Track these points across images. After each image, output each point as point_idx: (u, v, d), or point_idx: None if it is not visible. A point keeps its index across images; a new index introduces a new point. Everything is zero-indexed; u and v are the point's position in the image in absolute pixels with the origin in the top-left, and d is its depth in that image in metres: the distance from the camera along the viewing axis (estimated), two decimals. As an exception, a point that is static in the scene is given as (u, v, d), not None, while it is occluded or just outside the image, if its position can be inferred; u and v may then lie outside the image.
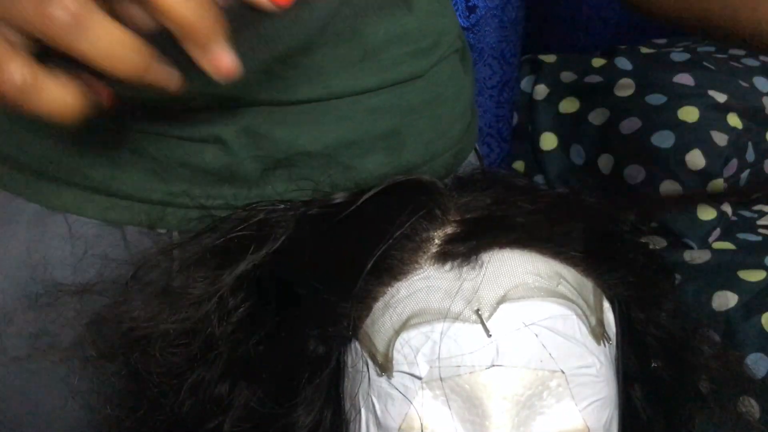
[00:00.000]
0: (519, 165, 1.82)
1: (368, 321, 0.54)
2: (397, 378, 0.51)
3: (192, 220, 0.69)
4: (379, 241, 0.55)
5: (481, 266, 0.54)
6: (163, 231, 0.71)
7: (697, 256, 1.56)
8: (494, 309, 0.52)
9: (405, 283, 0.54)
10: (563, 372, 0.51)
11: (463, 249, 0.54)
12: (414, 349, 0.52)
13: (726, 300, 1.46)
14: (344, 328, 0.54)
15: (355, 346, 0.55)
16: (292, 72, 0.67)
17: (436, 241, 0.55)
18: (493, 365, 0.51)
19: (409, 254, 0.55)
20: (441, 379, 0.50)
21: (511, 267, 0.53)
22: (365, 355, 0.54)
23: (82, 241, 0.70)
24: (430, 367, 0.51)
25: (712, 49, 1.95)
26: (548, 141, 1.75)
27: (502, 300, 0.52)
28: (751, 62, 1.83)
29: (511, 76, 1.68)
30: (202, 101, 0.66)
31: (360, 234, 0.57)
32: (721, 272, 1.51)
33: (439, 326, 0.51)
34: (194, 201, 0.70)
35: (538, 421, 0.51)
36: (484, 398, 0.50)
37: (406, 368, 0.52)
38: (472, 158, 0.84)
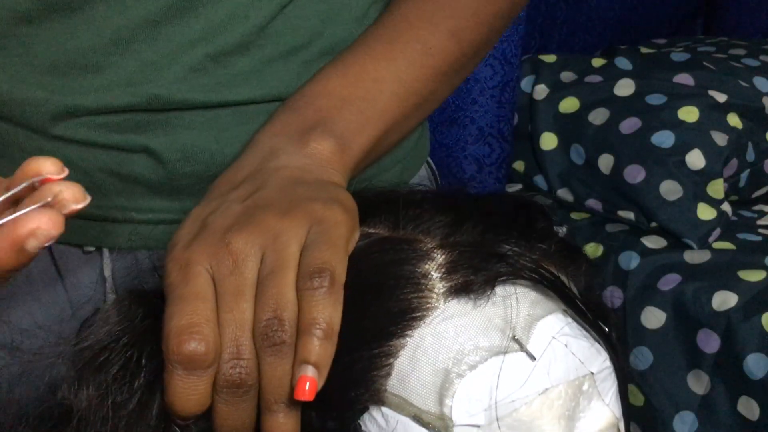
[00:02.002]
0: (519, 165, 1.82)
1: (393, 381, 0.49)
2: None
3: (121, 237, 0.64)
4: (378, 294, 0.50)
5: (494, 291, 0.51)
6: (91, 249, 0.66)
7: (697, 256, 1.56)
8: (528, 331, 0.50)
9: (428, 328, 0.49)
10: (592, 373, 0.51)
11: (477, 279, 0.50)
12: (468, 399, 0.48)
13: (726, 300, 1.46)
14: (356, 408, 0.49)
15: (382, 412, 0.49)
16: (225, 72, 0.62)
17: (434, 274, 0.50)
18: (545, 389, 0.49)
19: (415, 297, 0.50)
20: (498, 419, 0.48)
21: (520, 285, 0.51)
22: (405, 418, 0.49)
23: None
24: (487, 411, 0.48)
25: (712, 49, 1.95)
26: (548, 141, 1.75)
27: (530, 320, 0.50)
28: (751, 62, 1.83)
29: (512, 76, 1.68)
30: (124, 101, 0.61)
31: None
32: (721, 272, 1.51)
33: (486, 367, 0.49)
34: (124, 215, 0.64)
35: (578, 427, 0.51)
36: (542, 425, 0.49)
37: (464, 421, 0.48)
38: (423, 174, 0.79)
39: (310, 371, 0.45)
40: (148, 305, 0.51)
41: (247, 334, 0.47)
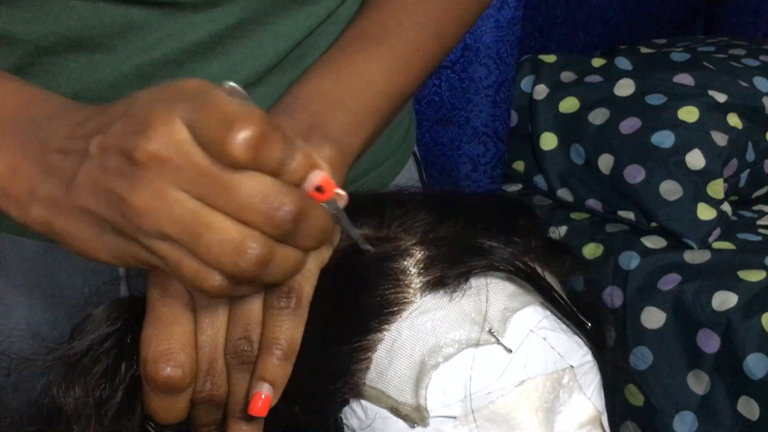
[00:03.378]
0: (519, 165, 1.82)
1: (372, 375, 0.50)
2: (432, 424, 0.49)
3: None
4: (357, 290, 0.51)
5: (469, 285, 0.52)
6: None
7: (697, 256, 1.56)
8: (504, 324, 0.50)
9: (405, 322, 0.50)
10: (572, 367, 0.52)
11: (451, 273, 0.51)
12: (443, 390, 0.49)
13: (726, 300, 1.46)
14: (336, 401, 0.50)
15: (361, 405, 0.50)
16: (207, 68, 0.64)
17: (412, 270, 0.51)
18: (521, 381, 0.50)
19: (393, 292, 0.51)
20: (474, 411, 0.49)
21: (497, 278, 0.52)
22: (383, 411, 0.50)
23: (28, 261, 0.67)
24: (462, 402, 0.49)
25: (712, 49, 1.95)
26: (548, 141, 1.75)
27: (506, 313, 0.51)
28: (751, 62, 1.83)
29: (507, 75, 1.68)
30: None
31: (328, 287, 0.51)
32: (721, 272, 1.51)
33: (460, 358, 0.49)
34: None
35: (559, 421, 0.52)
36: (519, 417, 0.50)
37: (439, 412, 0.49)
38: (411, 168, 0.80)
39: (266, 388, 0.48)
40: (133, 311, 0.52)
41: (220, 352, 0.49)
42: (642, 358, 1.50)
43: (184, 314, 0.48)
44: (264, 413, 0.47)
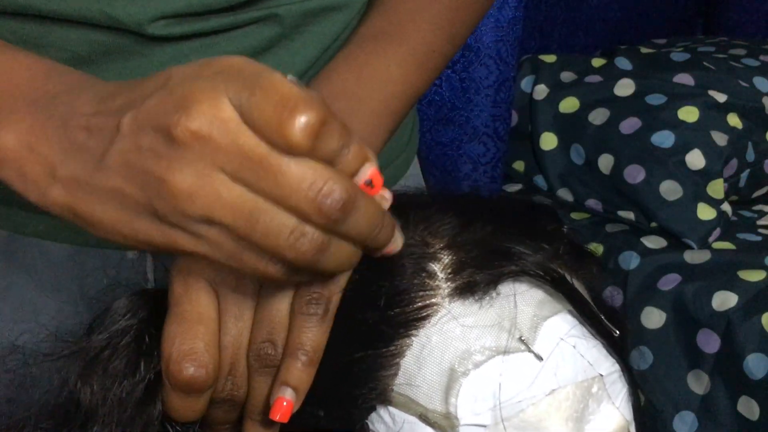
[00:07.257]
0: (519, 165, 1.82)
1: (399, 380, 0.49)
2: None
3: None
4: (385, 295, 0.50)
5: (498, 291, 0.50)
6: (134, 255, 0.67)
7: (697, 256, 1.56)
8: (534, 332, 0.50)
9: (434, 328, 0.49)
10: (601, 376, 0.51)
11: (480, 278, 0.50)
12: (473, 398, 0.48)
13: (726, 300, 1.46)
14: (363, 407, 0.50)
15: (389, 411, 0.50)
16: None
17: (440, 275, 0.51)
18: (552, 390, 0.49)
19: (421, 297, 0.50)
20: (504, 420, 0.48)
21: (526, 284, 0.51)
22: (411, 417, 0.49)
23: (57, 265, 0.67)
24: (492, 410, 0.48)
25: (712, 49, 1.95)
26: (548, 141, 1.75)
27: (536, 320, 0.50)
28: (751, 62, 1.83)
29: (508, 75, 1.68)
30: None
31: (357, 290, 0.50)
32: (721, 272, 1.51)
33: (490, 366, 0.48)
34: None
35: (588, 430, 0.51)
36: (549, 426, 0.49)
37: (469, 420, 0.48)
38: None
39: (288, 393, 0.47)
40: (154, 305, 0.51)
41: (243, 353, 0.49)
42: (642, 358, 1.50)
43: (208, 313, 0.48)
44: (286, 419, 0.47)
